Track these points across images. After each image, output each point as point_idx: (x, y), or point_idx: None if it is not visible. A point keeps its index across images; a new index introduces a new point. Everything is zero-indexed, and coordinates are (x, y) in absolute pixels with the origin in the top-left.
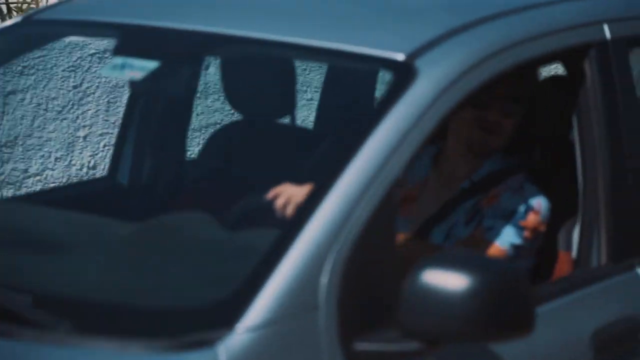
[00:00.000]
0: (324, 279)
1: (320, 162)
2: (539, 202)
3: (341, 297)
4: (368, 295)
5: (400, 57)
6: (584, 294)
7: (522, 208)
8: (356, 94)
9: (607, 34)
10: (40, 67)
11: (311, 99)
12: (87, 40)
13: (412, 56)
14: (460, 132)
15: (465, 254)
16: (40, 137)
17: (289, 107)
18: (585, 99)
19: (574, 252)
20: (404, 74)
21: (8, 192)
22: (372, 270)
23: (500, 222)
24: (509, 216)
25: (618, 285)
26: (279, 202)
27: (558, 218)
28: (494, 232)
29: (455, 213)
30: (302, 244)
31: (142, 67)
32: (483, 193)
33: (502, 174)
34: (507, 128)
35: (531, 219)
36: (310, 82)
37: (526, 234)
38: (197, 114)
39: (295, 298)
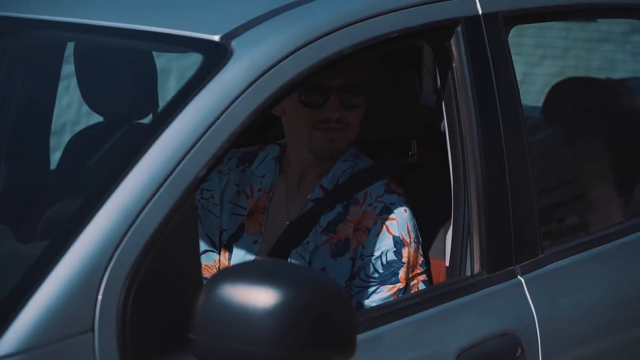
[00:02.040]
0: (101, 297)
1: (104, 158)
2: (406, 226)
3: (124, 317)
4: (161, 314)
5: (216, 37)
6: (450, 308)
7: (392, 250)
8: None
9: (479, 8)
10: None
11: None
12: None
13: (229, 36)
14: (298, 135)
15: (273, 264)
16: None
17: (150, 105)
18: (453, 85)
19: (447, 260)
20: (216, 56)
21: None
22: (165, 286)
23: (373, 286)
24: (381, 274)
25: (493, 297)
26: None
27: (430, 222)
28: (366, 299)
29: (314, 233)
30: (73, 257)
31: None
32: (342, 206)
33: (359, 179)
34: (352, 123)
35: (405, 255)
36: None
37: (402, 284)
38: None
39: (63, 319)
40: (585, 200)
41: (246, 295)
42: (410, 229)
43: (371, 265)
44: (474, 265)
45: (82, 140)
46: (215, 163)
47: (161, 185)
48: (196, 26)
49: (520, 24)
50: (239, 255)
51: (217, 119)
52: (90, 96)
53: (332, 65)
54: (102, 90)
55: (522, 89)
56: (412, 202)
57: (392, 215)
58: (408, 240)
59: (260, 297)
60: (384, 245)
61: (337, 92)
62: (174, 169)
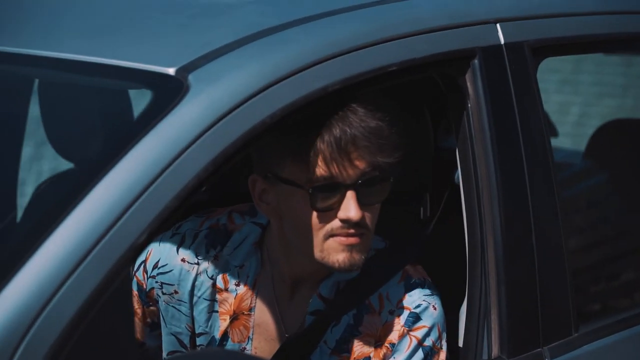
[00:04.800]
0: None
1: (29, 216)
2: (437, 330)
3: None
4: None
5: (170, 70)
6: None
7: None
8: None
9: (501, 36)
10: None
11: None
12: None
13: (186, 69)
14: (304, 243)
15: (225, 356)
16: None
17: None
18: (468, 128)
19: (461, 340)
20: (168, 92)
21: None
22: None
23: None
24: None
25: None
26: None
27: (443, 293)
28: None
29: (319, 354)
30: None
31: None
32: (352, 316)
33: (367, 280)
34: (372, 224)
35: None
36: None
37: None
38: None
39: None
40: (631, 268)
41: None
42: (441, 329)
43: None
44: (492, 347)
45: (35, 193)
46: (160, 226)
47: (87, 254)
48: (151, 57)
49: (552, 55)
50: None
51: (165, 169)
52: (52, 137)
53: (314, 103)
54: (58, 130)
55: (577, 131)
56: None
57: (421, 323)
58: (439, 346)
59: None
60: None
61: (353, 186)
62: (106, 233)
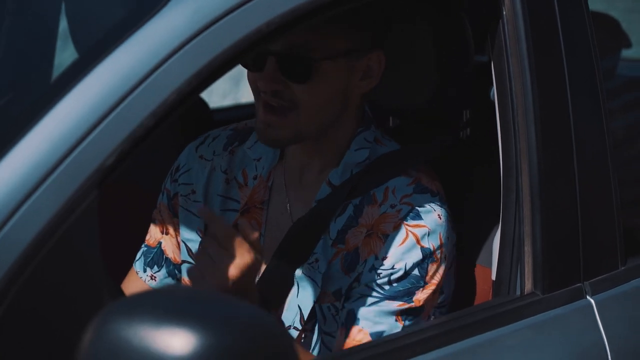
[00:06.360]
0: None
1: None
2: (439, 237)
3: None
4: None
5: None
6: (491, 339)
7: (417, 265)
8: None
9: None
10: None
11: None
12: None
13: None
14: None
15: (187, 294)
16: None
17: None
18: (504, 39)
19: (494, 272)
20: None
21: None
22: (40, 322)
23: (376, 297)
24: (392, 287)
25: (551, 325)
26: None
27: (479, 219)
28: (362, 307)
29: (323, 246)
30: None
31: None
32: (354, 207)
33: (376, 170)
34: (303, 102)
35: (431, 274)
36: None
37: (416, 304)
38: None
39: None
40: None
41: (147, 340)
42: (444, 241)
43: (384, 277)
44: (525, 281)
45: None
46: (131, 148)
47: (48, 175)
48: None
49: None
50: None
51: (140, 83)
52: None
53: (323, 10)
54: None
55: None
56: (457, 194)
57: (421, 222)
58: (439, 256)
59: (165, 342)
60: (408, 257)
61: (276, 55)
62: (69, 152)
